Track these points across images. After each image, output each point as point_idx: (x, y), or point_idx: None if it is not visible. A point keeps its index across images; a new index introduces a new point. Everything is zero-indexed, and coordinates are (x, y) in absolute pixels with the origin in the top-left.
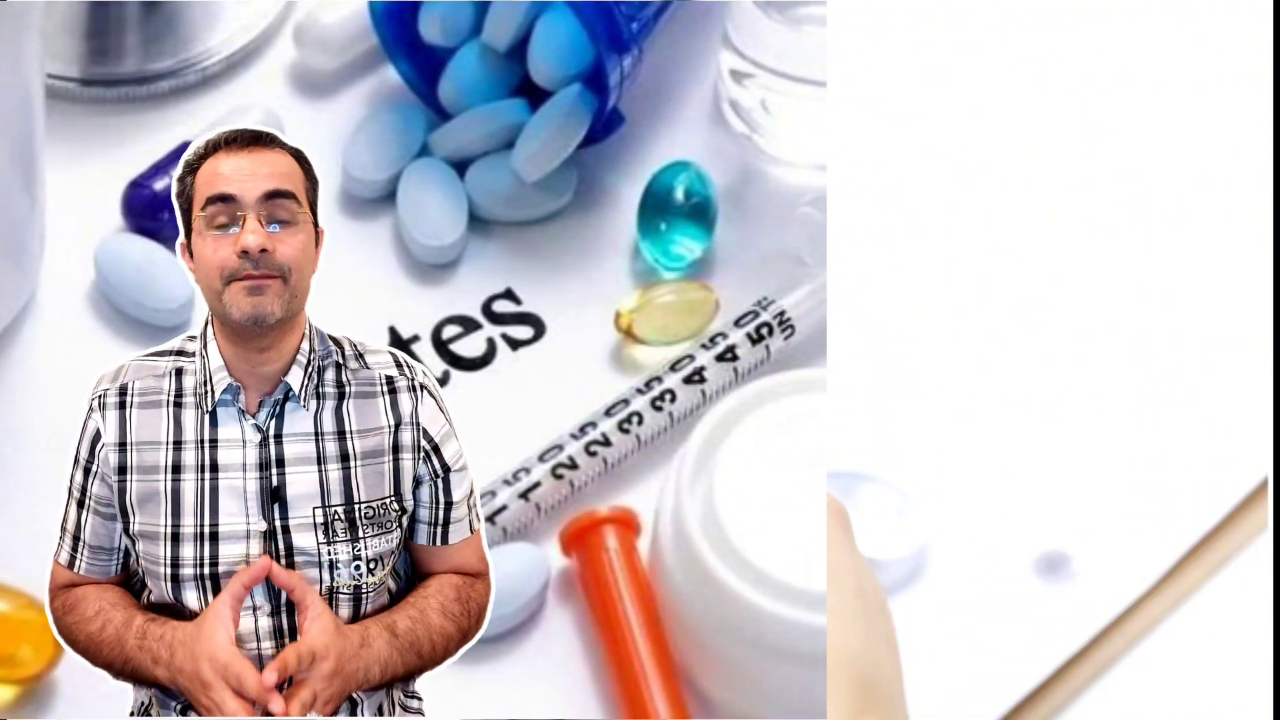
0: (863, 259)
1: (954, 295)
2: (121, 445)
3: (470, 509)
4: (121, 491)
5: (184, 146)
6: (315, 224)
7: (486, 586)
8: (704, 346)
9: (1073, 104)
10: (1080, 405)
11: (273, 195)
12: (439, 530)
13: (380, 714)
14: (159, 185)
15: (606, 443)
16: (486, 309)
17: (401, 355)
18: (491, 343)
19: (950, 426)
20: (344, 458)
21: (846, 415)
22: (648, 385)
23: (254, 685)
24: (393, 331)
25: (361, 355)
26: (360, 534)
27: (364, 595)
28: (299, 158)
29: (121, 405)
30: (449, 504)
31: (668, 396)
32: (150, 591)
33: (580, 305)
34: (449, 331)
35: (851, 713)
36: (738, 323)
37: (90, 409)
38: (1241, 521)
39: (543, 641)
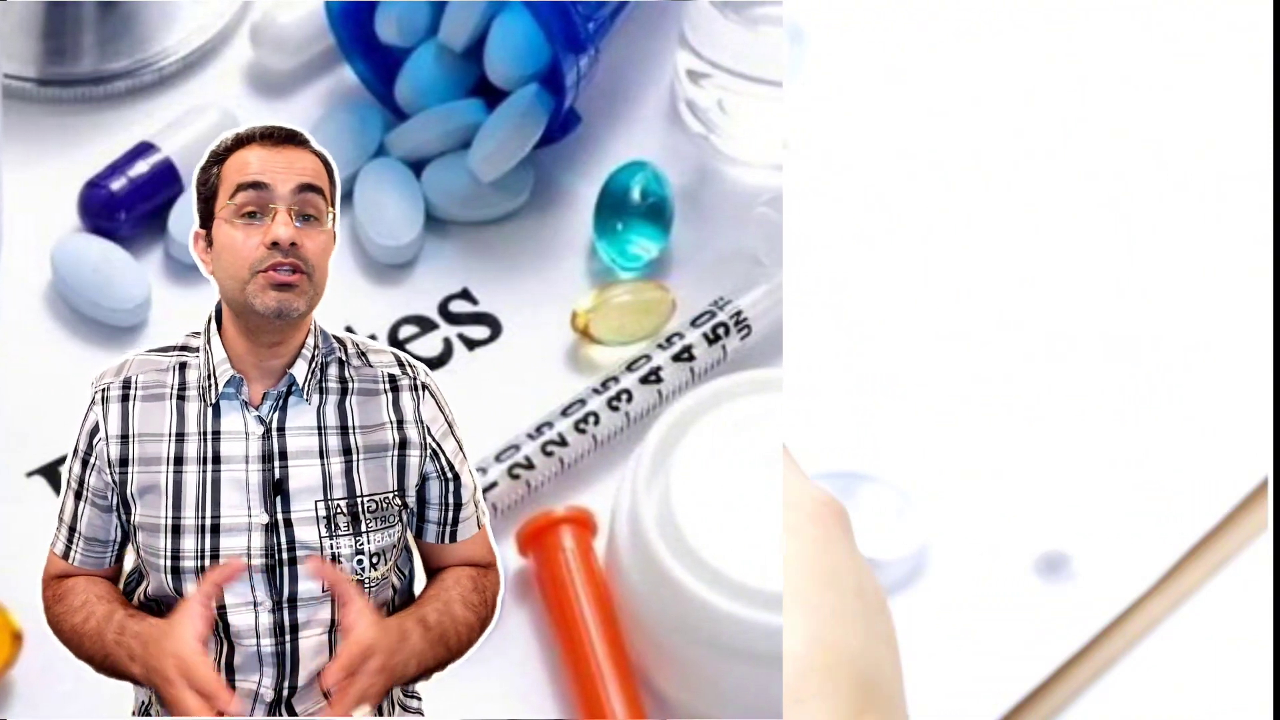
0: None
1: (954, 296)
2: (123, 438)
3: (477, 505)
4: (123, 483)
5: (142, 146)
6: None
7: (497, 576)
8: (660, 346)
9: (1051, 99)
10: (1080, 405)
11: (304, 189)
12: (448, 530)
13: (380, 714)
14: (116, 185)
15: (563, 443)
16: (443, 309)
17: (403, 354)
18: (448, 343)
19: (950, 427)
20: (346, 451)
21: (846, 415)
22: (604, 385)
23: (207, 683)
24: (349, 331)
25: (364, 353)
26: (363, 528)
27: (366, 589)
28: (323, 159)
29: (124, 398)
30: (458, 505)
31: (624, 396)
32: (149, 584)
33: (537, 305)
34: (405, 331)
35: (851, 713)
36: (694, 323)
37: (91, 402)
38: (1241, 521)
39: (499, 642)
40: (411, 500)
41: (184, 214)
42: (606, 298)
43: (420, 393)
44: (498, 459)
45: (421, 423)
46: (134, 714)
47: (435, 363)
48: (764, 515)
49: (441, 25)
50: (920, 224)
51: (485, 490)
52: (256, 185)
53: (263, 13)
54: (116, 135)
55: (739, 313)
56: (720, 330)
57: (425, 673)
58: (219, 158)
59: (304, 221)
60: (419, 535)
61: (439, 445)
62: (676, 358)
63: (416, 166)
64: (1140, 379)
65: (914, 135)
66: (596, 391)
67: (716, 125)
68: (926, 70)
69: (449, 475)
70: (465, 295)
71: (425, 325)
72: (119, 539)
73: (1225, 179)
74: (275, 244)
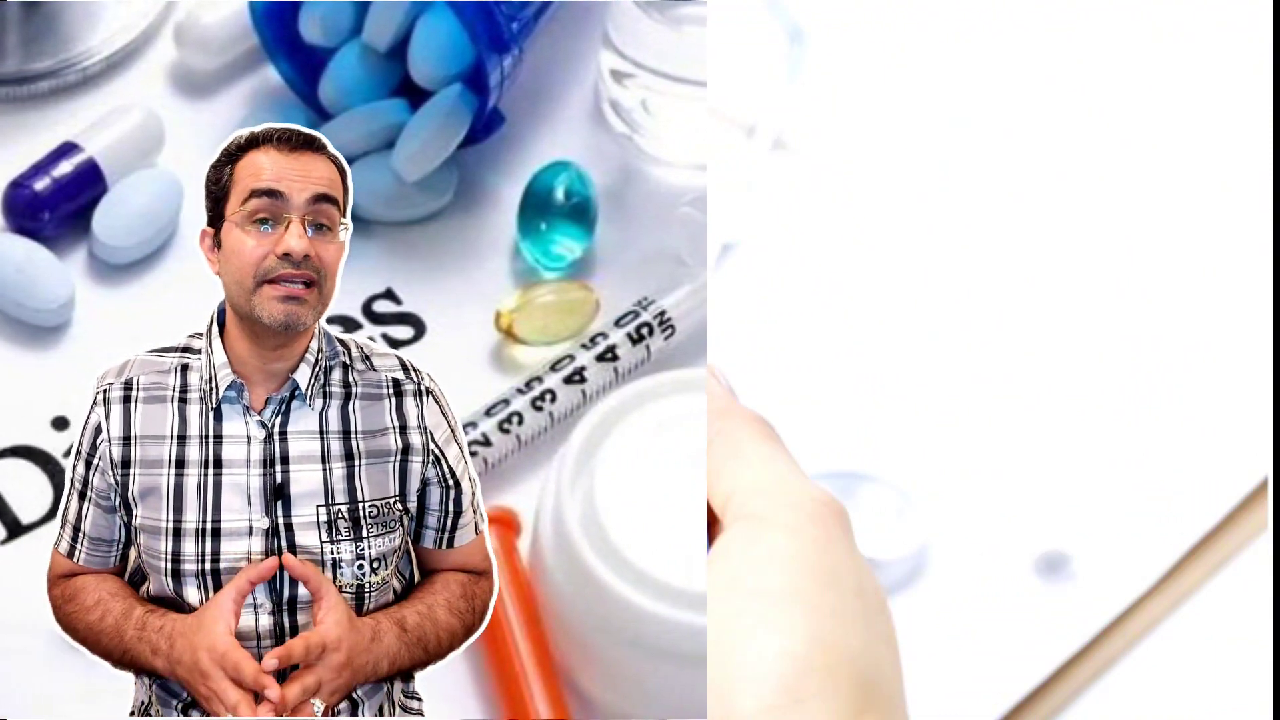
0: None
1: (954, 296)
2: (125, 439)
3: (475, 511)
4: (124, 485)
5: (65, 146)
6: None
7: (490, 585)
8: (584, 346)
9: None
10: (1080, 405)
11: (320, 199)
12: (446, 536)
13: (380, 714)
14: (40, 185)
15: (487, 443)
16: (367, 309)
17: (407, 359)
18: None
19: (950, 427)
20: (348, 457)
21: (845, 416)
22: (528, 385)
23: (251, 672)
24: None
25: (368, 357)
26: (364, 533)
27: (366, 594)
28: (338, 165)
29: (126, 400)
30: (458, 512)
31: (548, 396)
32: (150, 584)
33: (460, 305)
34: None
35: (851, 713)
36: (618, 323)
37: (94, 403)
38: (1241, 521)
39: None
40: (413, 505)
41: (107, 213)
42: (530, 298)
43: (424, 398)
44: None
45: (425, 429)
46: (133, 714)
47: None
48: (688, 515)
49: (365, 25)
50: (920, 224)
51: None
52: (271, 193)
53: (186, 13)
54: (40, 135)
55: (663, 313)
56: (644, 330)
57: (400, 673)
58: (232, 156)
59: (316, 231)
60: (416, 540)
61: (441, 451)
62: (600, 358)
63: None
64: (1140, 379)
65: (914, 135)
66: (520, 391)
67: (640, 125)
68: (926, 70)
69: (450, 482)
70: (389, 295)
71: (349, 325)
72: (123, 538)
73: (1225, 179)
74: (287, 255)
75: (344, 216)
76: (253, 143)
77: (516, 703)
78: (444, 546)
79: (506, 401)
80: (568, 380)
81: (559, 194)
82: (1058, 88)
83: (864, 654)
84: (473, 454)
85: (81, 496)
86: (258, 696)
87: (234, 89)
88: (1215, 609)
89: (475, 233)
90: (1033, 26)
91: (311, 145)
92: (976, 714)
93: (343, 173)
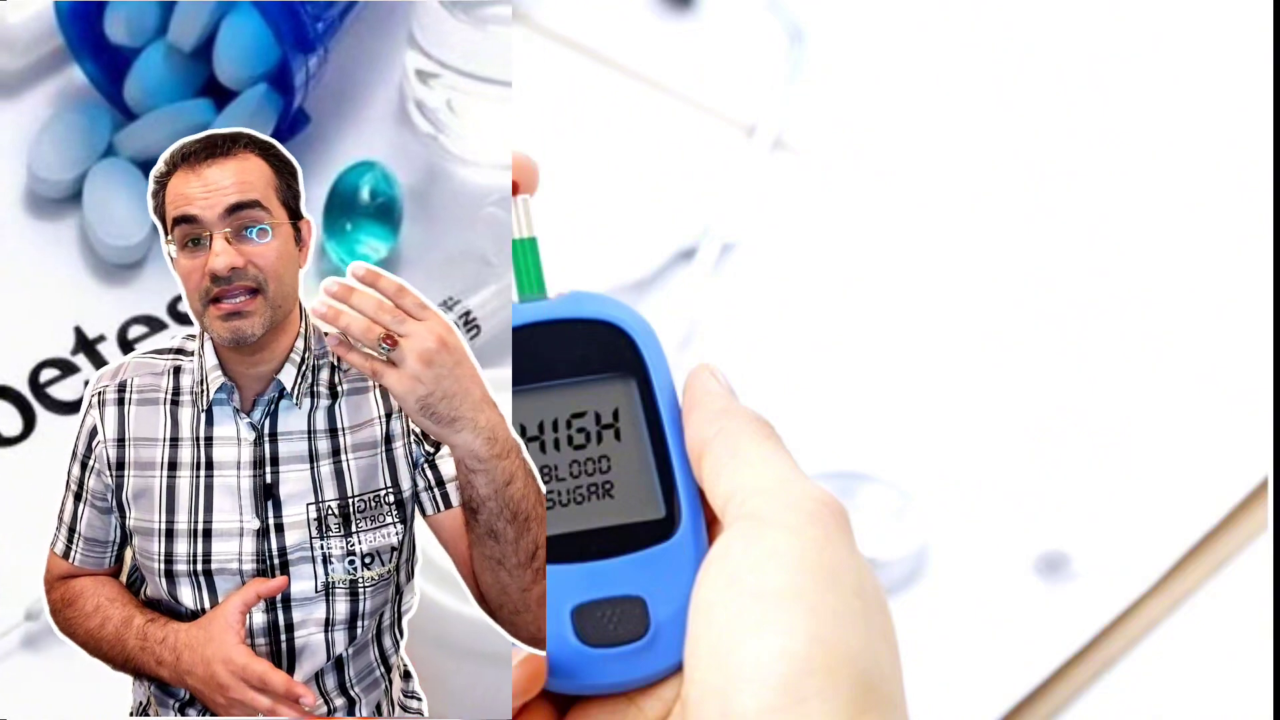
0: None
1: (955, 296)
2: (120, 441)
3: None
4: (118, 487)
5: None
6: (296, 218)
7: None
8: None
9: (1051, 99)
10: (1080, 406)
11: (235, 209)
12: (439, 492)
13: (379, 713)
14: None
15: None
16: (172, 309)
17: None
18: None
19: (950, 427)
20: (336, 452)
21: (846, 415)
22: None
23: (281, 683)
24: (78, 331)
25: None
26: (353, 529)
27: (361, 590)
28: (267, 153)
29: (120, 402)
30: (440, 480)
31: None
32: (147, 586)
33: None
34: (135, 331)
35: (851, 713)
36: None
37: (89, 405)
38: (1241, 521)
39: None
40: (407, 494)
41: None
42: None
43: None
44: None
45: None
46: (132, 713)
47: None
48: None
49: (170, 25)
50: (920, 224)
51: None
52: (186, 219)
53: None
54: None
55: (468, 313)
56: None
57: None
58: (160, 184)
59: (247, 236)
60: (422, 511)
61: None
62: None
63: (145, 166)
64: (1140, 379)
65: (914, 135)
66: None
67: (445, 125)
68: (926, 70)
69: (428, 453)
70: None
71: (155, 325)
72: (118, 539)
73: (1225, 179)
74: (215, 274)
75: (272, 211)
76: (171, 165)
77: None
78: (443, 507)
79: None
80: None
81: (364, 194)
82: (1058, 88)
83: (864, 654)
84: None
85: (77, 498)
86: None
87: (39, 89)
88: (1215, 609)
89: None
90: (1033, 26)
91: (215, 152)
92: (976, 714)
93: (272, 158)
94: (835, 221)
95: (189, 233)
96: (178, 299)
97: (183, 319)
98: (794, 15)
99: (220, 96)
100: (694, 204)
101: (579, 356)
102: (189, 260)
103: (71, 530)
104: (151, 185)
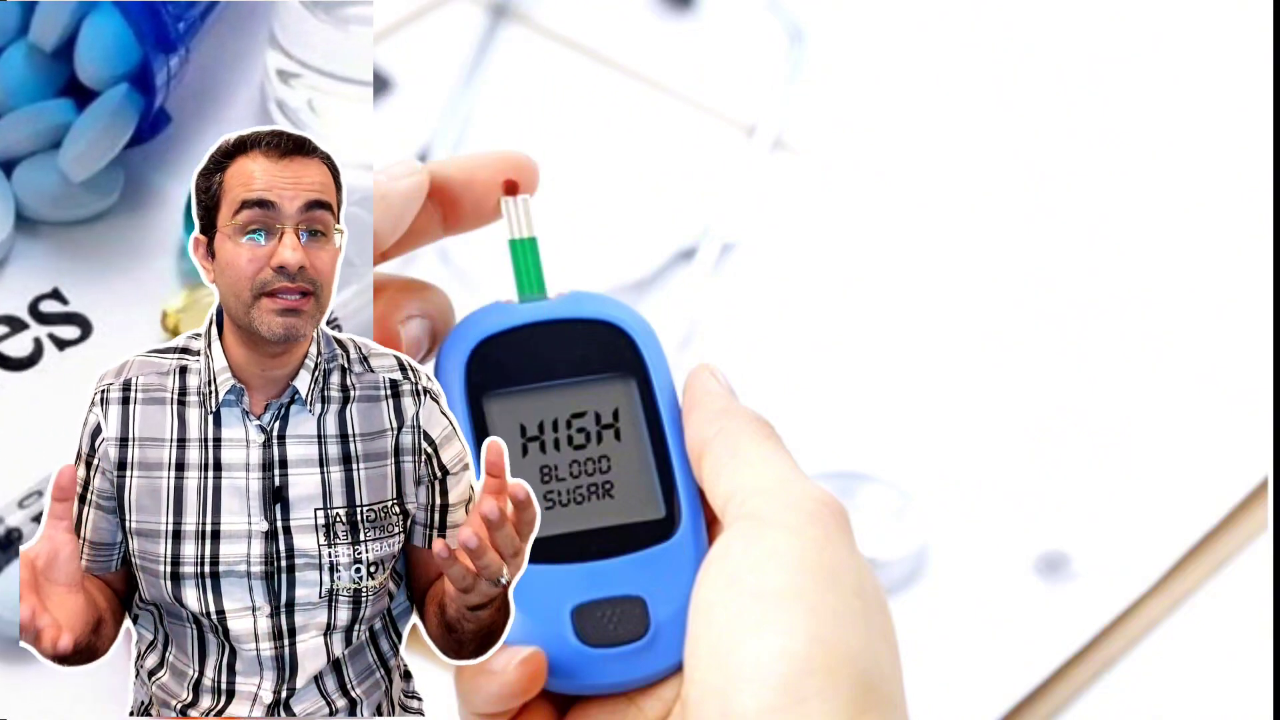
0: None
1: (955, 296)
2: (124, 440)
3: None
4: (121, 487)
5: None
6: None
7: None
8: None
9: (1051, 99)
10: (1081, 405)
11: (312, 206)
12: (435, 533)
13: (379, 713)
14: None
15: None
16: (33, 309)
17: (405, 359)
18: (38, 342)
19: (950, 427)
20: (346, 460)
21: (846, 415)
22: None
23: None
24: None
25: (366, 359)
26: (361, 537)
27: (363, 598)
28: (328, 162)
29: (125, 401)
30: (445, 506)
31: None
32: (144, 589)
33: (127, 305)
34: None
35: (851, 713)
36: None
37: (91, 403)
38: (1241, 521)
39: None
40: (411, 506)
41: None
42: (197, 297)
43: (421, 398)
44: None
45: (418, 427)
46: (132, 713)
47: (25, 363)
48: None
49: (31, 25)
50: (920, 224)
51: None
52: (262, 203)
53: None
54: None
55: (329, 312)
56: None
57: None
58: (219, 164)
59: (310, 238)
60: (409, 539)
61: (436, 449)
62: None
63: (6, 166)
64: (1140, 379)
65: (914, 135)
66: None
67: (307, 125)
68: (926, 70)
69: (437, 476)
70: (55, 295)
71: (15, 325)
72: (122, 540)
73: (1225, 179)
74: (283, 268)
75: (338, 219)
76: (240, 148)
77: None
78: (431, 546)
79: None
80: None
81: None
82: (1058, 88)
83: (864, 654)
84: None
85: (81, 500)
86: None
87: None
88: (1215, 609)
89: (142, 232)
90: (1033, 26)
91: (302, 149)
92: (976, 714)
93: (335, 173)
94: (835, 221)
95: (259, 219)
96: (39, 299)
97: (46, 319)
98: (794, 15)
99: (81, 96)
100: (694, 204)
101: (579, 356)
102: (252, 248)
103: (77, 536)
104: (207, 163)
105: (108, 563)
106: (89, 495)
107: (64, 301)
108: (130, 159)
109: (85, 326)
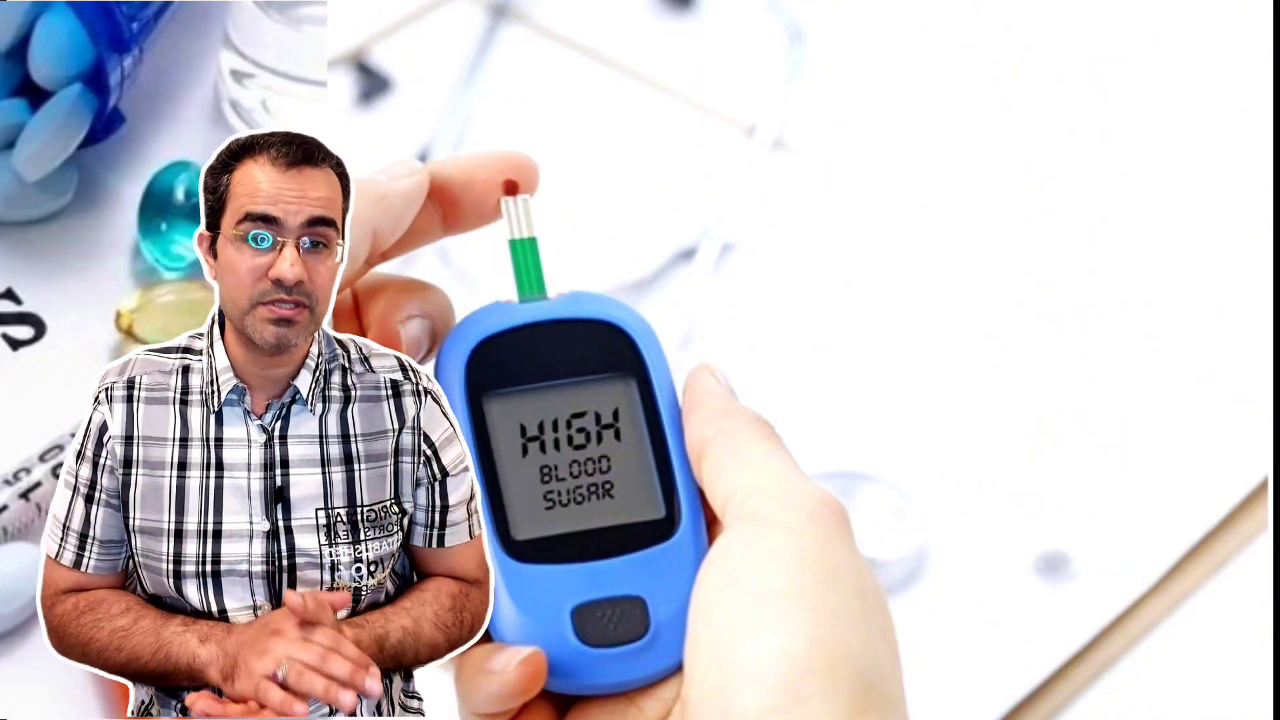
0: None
1: (955, 296)
2: (128, 439)
3: (470, 514)
4: (125, 485)
5: None
6: (342, 238)
7: (484, 595)
8: None
9: (1051, 99)
10: (1081, 405)
11: (314, 223)
12: (435, 533)
13: (379, 713)
14: None
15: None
16: None
17: (406, 360)
18: None
19: (950, 427)
20: (347, 460)
21: (846, 415)
22: None
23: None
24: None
25: (367, 359)
26: (361, 536)
27: (363, 596)
28: (338, 169)
29: (129, 399)
30: (445, 507)
31: None
32: (145, 584)
33: (81, 305)
34: None
35: (851, 713)
36: None
37: (95, 402)
38: (1241, 521)
39: (44, 642)
40: (409, 505)
41: None
42: (151, 298)
43: (422, 398)
44: (42, 459)
45: (418, 428)
46: (133, 713)
47: None
48: None
49: None
50: (920, 224)
51: (29, 490)
52: (265, 218)
53: None
54: None
55: None
56: None
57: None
58: (227, 165)
59: (311, 250)
60: (408, 538)
61: (436, 451)
62: None
63: None
64: (1140, 379)
65: (914, 135)
66: None
67: (260, 125)
68: (926, 70)
69: (437, 477)
70: (9, 295)
71: None
72: (126, 539)
73: (1225, 179)
74: (279, 282)
75: (342, 232)
76: (249, 149)
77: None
78: (433, 545)
79: None
80: None
81: (179, 194)
82: (1058, 88)
83: (864, 654)
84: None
85: (88, 499)
86: None
87: None
88: (1215, 609)
89: (96, 233)
90: (1033, 26)
91: (310, 159)
92: (976, 714)
93: (344, 181)
94: (835, 221)
95: (259, 230)
96: None
97: (0, 319)
98: (794, 15)
99: (35, 96)
100: (694, 204)
101: (579, 356)
102: (252, 257)
103: (83, 536)
104: (216, 161)
105: (116, 561)
106: (97, 494)
107: (18, 301)
108: (84, 159)
109: (39, 326)
